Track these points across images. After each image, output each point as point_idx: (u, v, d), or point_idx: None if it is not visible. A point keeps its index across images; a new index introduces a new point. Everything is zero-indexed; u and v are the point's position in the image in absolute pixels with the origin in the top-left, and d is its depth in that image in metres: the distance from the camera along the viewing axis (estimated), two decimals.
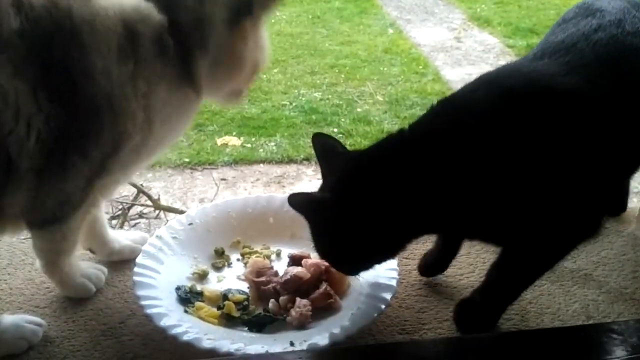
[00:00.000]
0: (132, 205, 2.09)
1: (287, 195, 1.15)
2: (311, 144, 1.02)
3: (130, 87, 0.92)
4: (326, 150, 1.01)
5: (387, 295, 1.04)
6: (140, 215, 2.14)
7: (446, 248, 1.16)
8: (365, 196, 0.91)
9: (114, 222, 1.91)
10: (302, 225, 1.27)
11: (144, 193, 2.09)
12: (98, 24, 0.89)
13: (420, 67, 4.15)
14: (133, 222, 2.07)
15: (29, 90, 0.84)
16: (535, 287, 1.17)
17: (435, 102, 0.96)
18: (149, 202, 2.10)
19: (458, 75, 3.99)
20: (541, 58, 0.97)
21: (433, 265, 1.18)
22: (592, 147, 0.90)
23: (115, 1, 0.92)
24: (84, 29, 0.88)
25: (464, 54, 4.40)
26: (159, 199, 2.16)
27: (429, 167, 0.89)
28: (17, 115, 0.84)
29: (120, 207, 2.03)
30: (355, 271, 1.04)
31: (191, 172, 2.97)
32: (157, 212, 2.12)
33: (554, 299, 1.16)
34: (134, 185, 2.03)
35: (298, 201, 0.96)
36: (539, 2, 5.63)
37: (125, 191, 2.17)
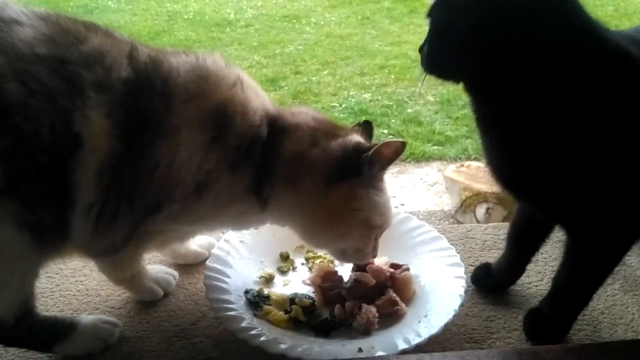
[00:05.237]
0: None
1: None
2: None
3: (197, 158, 0.95)
4: None
5: (456, 304, 1.04)
6: None
7: (515, 260, 1.15)
8: None
9: None
10: None
11: None
12: (194, 99, 0.94)
13: None
14: None
15: (111, 129, 0.89)
16: (608, 296, 1.14)
17: None
18: None
19: None
20: None
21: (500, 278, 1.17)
22: None
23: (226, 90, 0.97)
24: (180, 95, 0.94)
25: None
26: None
27: None
28: (96, 149, 0.88)
29: None
30: None
31: None
32: None
33: (627, 309, 1.13)
34: None
35: None
36: None
37: None
